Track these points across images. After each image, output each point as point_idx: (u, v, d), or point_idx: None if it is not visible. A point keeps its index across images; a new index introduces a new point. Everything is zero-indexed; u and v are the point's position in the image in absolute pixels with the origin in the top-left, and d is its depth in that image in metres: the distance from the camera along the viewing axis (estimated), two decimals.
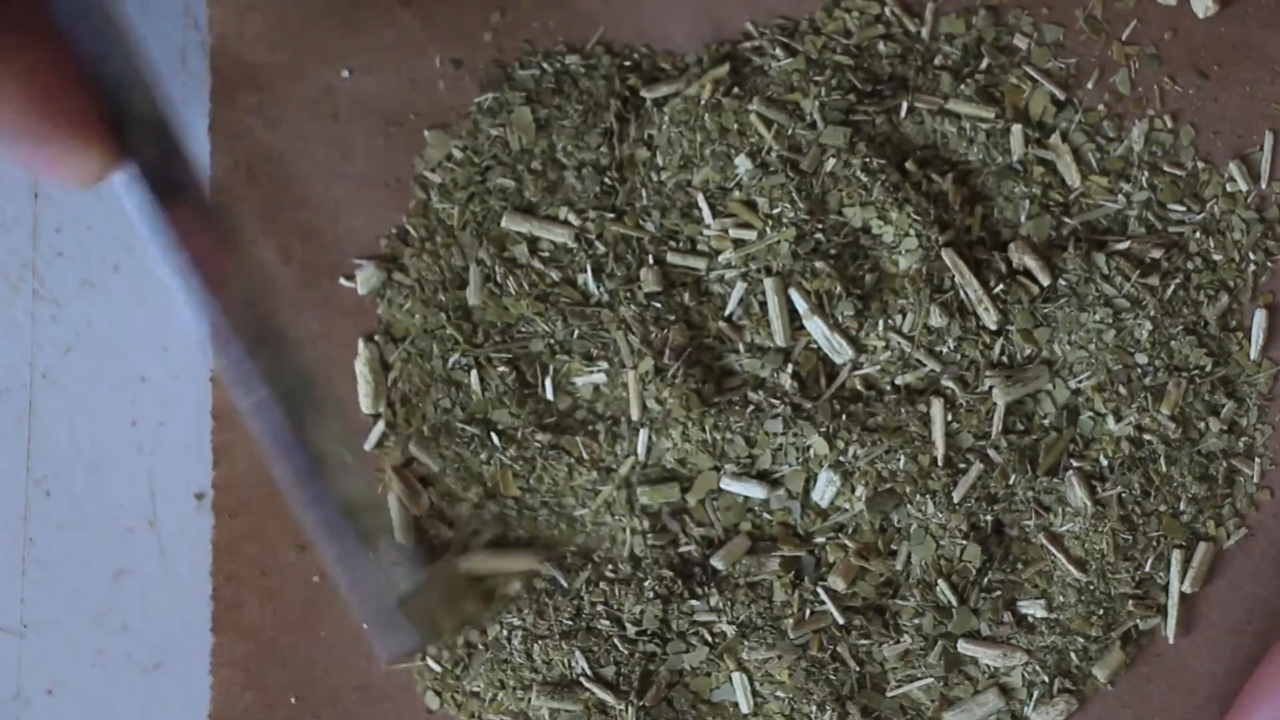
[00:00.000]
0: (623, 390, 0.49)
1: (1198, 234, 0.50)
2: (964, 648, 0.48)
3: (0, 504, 0.51)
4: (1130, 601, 0.48)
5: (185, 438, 0.50)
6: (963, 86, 0.50)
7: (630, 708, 0.47)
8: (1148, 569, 0.48)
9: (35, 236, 0.52)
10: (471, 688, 0.49)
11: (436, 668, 0.49)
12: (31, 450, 0.51)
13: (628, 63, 0.51)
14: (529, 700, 0.48)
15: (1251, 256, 0.50)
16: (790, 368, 0.48)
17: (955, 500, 0.48)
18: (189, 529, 0.50)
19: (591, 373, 0.49)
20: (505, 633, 0.48)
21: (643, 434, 0.48)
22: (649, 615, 0.48)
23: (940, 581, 0.48)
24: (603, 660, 0.48)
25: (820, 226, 0.48)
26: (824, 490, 0.48)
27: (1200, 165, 0.50)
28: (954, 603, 0.48)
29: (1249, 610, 0.49)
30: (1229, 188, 0.50)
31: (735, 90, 0.50)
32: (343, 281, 0.50)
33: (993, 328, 0.48)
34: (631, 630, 0.48)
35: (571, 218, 0.49)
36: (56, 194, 0.52)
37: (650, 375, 0.48)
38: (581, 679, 0.48)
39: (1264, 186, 0.50)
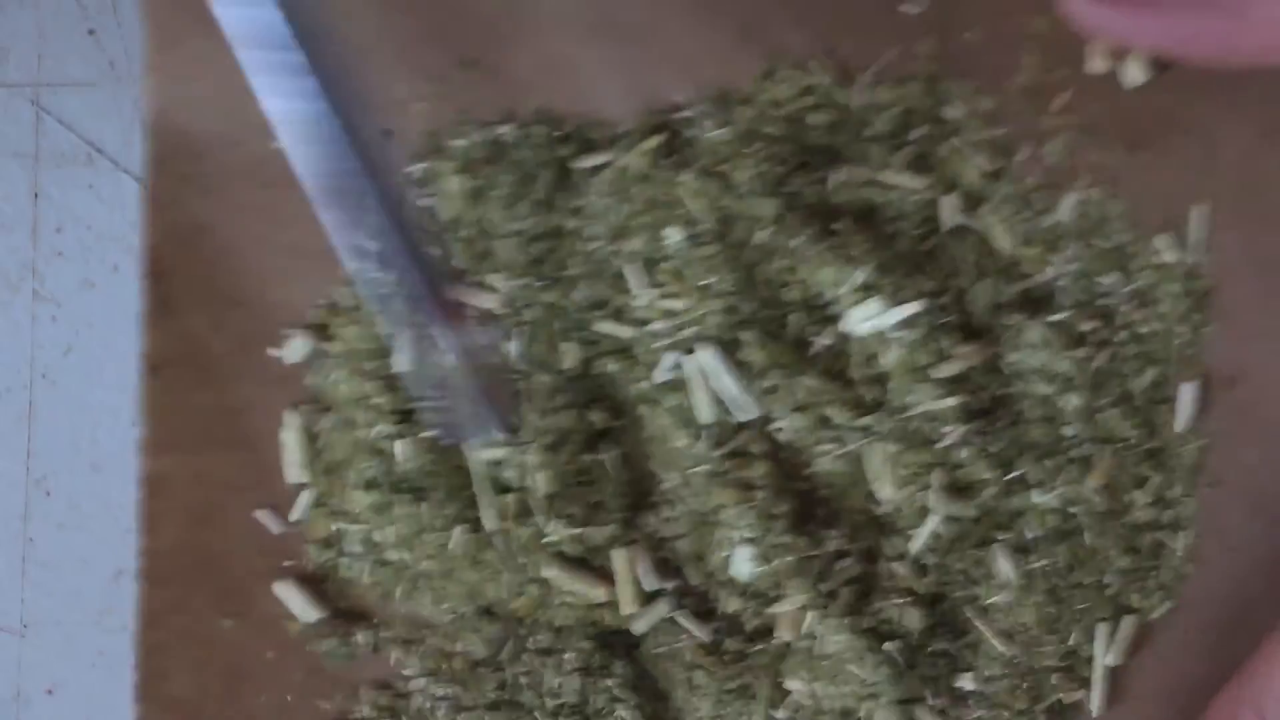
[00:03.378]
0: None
1: (1126, 306, 0.49)
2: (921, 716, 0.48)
3: (0, 504, 0.51)
4: (1055, 675, 0.48)
5: None
6: (894, 157, 0.50)
7: None
8: (1072, 642, 0.48)
9: (35, 236, 0.52)
10: None
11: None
12: (31, 450, 0.51)
13: (560, 132, 0.50)
14: None
15: (1178, 329, 0.50)
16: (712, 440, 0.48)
17: (911, 554, 0.48)
18: None
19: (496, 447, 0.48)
20: (428, 704, 0.48)
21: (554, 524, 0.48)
22: (568, 689, 0.47)
23: (887, 643, 0.47)
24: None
25: (751, 299, 0.48)
26: (741, 566, 0.47)
27: (1130, 237, 0.50)
28: (903, 665, 0.47)
29: (1176, 682, 0.48)
30: (1157, 259, 0.50)
31: (667, 160, 0.49)
32: (271, 351, 0.49)
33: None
34: (550, 704, 0.48)
35: (499, 284, 0.49)
36: (56, 194, 0.52)
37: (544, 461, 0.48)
38: None
39: (1190, 260, 0.50)
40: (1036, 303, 0.49)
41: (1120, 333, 0.49)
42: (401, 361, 0.47)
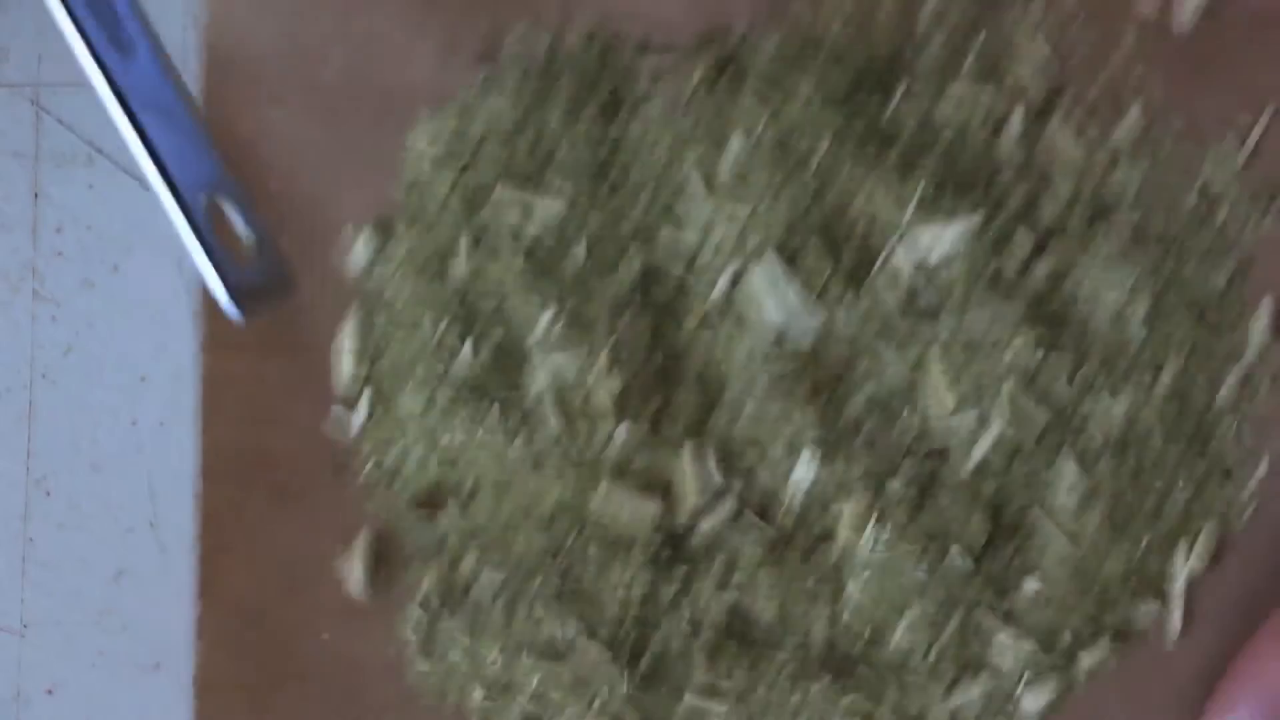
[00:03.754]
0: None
1: (1191, 212, 0.50)
2: (983, 622, 0.48)
3: (0, 504, 0.51)
4: (1122, 586, 0.48)
5: (185, 438, 0.50)
6: (956, 71, 0.50)
7: (626, 675, 0.47)
8: (1142, 555, 0.48)
9: (35, 236, 0.52)
10: (451, 655, 0.48)
11: (414, 636, 0.49)
12: (31, 450, 0.51)
13: (622, 42, 0.51)
14: (516, 666, 0.47)
15: (1246, 235, 0.50)
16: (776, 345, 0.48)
17: (974, 462, 0.48)
18: (189, 529, 0.50)
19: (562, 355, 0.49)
20: (488, 595, 0.48)
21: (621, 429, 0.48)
22: (638, 583, 0.47)
23: (953, 547, 0.48)
24: (595, 625, 0.47)
25: (814, 209, 0.48)
26: (803, 470, 0.48)
27: (1193, 145, 0.50)
28: (968, 569, 0.47)
29: (1249, 601, 0.48)
30: (1221, 167, 0.50)
31: (730, 69, 0.50)
32: (335, 254, 0.50)
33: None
34: (621, 594, 0.47)
35: (564, 188, 0.49)
36: (56, 194, 0.52)
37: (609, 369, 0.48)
38: (575, 643, 0.47)
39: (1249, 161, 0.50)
40: (1102, 212, 0.50)
41: (1186, 241, 0.49)
42: None
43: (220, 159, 0.44)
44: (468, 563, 0.48)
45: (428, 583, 0.49)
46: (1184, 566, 0.48)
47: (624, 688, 0.47)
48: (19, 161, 0.52)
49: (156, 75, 0.43)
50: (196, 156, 0.43)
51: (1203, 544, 0.48)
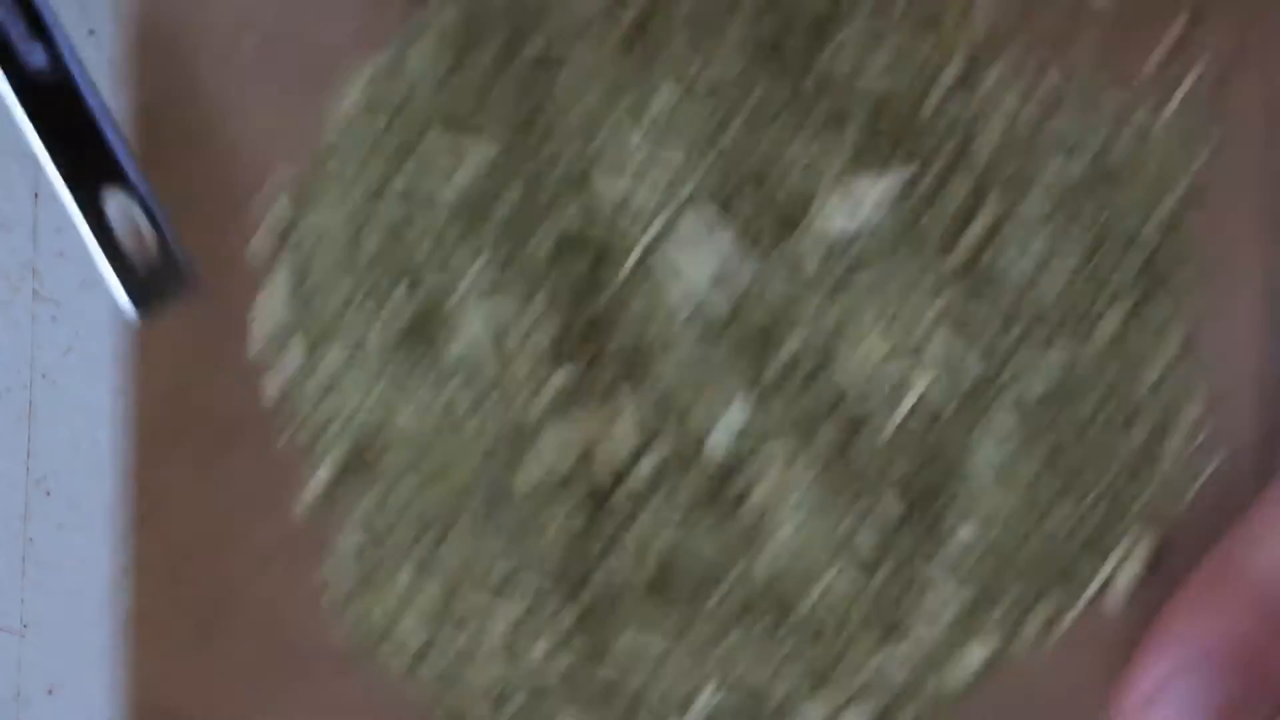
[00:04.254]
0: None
1: (1127, 159, 0.49)
2: (918, 572, 0.47)
3: (0, 504, 0.51)
4: (1074, 541, 0.48)
5: None
6: (891, 22, 0.50)
7: (565, 610, 0.47)
8: (1090, 507, 0.48)
9: (35, 236, 0.52)
10: (389, 593, 0.48)
11: (348, 569, 0.49)
12: (31, 450, 0.51)
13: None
14: (455, 601, 0.48)
15: (1178, 174, 0.50)
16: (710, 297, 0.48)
17: (905, 409, 0.47)
18: None
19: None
20: (427, 525, 0.48)
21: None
22: (577, 520, 0.47)
23: (886, 494, 0.48)
24: (532, 561, 0.48)
25: (745, 159, 0.48)
26: (727, 424, 0.48)
27: (1127, 94, 0.50)
28: (899, 516, 0.47)
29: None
30: (1154, 115, 0.50)
31: (661, 14, 0.49)
32: (261, 205, 0.50)
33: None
34: (556, 532, 0.48)
35: (497, 133, 0.49)
36: (57, 194, 0.52)
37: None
38: (511, 578, 0.48)
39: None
40: (1035, 162, 0.49)
41: (1120, 191, 0.49)
42: None
43: (125, 151, 0.44)
44: (403, 491, 0.48)
45: (361, 512, 0.49)
46: (1133, 528, 0.48)
47: (566, 621, 0.47)
48: (19, 162, 0.52)
49: (55, 65, 0.43)
50: (97, 150, 0.43)
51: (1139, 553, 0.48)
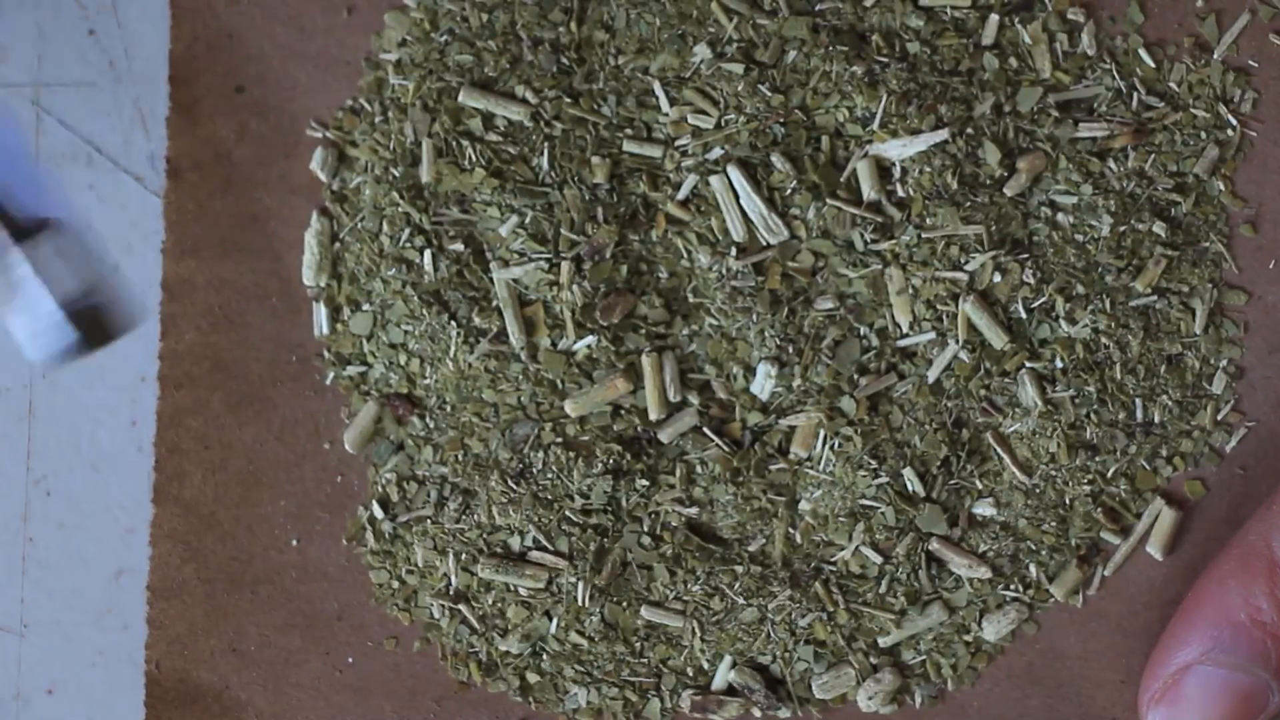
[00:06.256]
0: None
1: (1164, 121, 0.49)
2: (936, 549, 0.47)
3: (0, 504, 0.51)
4: (1095, 511, 0.48)
5: None
6: None
7: (584, 583, 0.47)
8: (1110, 481, 0.48)
9: None
10: (410, 563, 0.48)
11: (374, 543, 0.49)
12: (31, 450, 0.51)
13: None
14: (475, 572, 0.48)
15: (1214, 135, 0.49)
16: (736, 255, 0.48)
17: (929, 380, 0.47)
18: None
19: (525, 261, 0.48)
20: (445, 497, 0.48)
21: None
22: (598, 491, 0.47)
23: (906, 469, 0.48)
24: (554, 533, 0.47)
25: (781, 121, 0.48)
26: (761, 383, 0.48)
27: (1163, 54, 0.50)
28: (920, 493, 0.47)
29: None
30: (1190, 75, 0.49)
31: None
32: (296, 159, 0.50)
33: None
34: (580, 503, 0.47)
35: (529, 95, 0.49)
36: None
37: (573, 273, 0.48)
38: (532, 551, 0.48)
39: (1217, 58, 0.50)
40: (1070, 124, 0.49)
41: (1154, 149, 0.49)
42: None
43: (58, 197, 0.44)
44: (423, 461, 0.48)
45: (384, 483, 0.49)
46: (1154, 498, 0.48)
47: (582, 598, 0.47)
48: None
49: None
50: (30, 195, 0.43)
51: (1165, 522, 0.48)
